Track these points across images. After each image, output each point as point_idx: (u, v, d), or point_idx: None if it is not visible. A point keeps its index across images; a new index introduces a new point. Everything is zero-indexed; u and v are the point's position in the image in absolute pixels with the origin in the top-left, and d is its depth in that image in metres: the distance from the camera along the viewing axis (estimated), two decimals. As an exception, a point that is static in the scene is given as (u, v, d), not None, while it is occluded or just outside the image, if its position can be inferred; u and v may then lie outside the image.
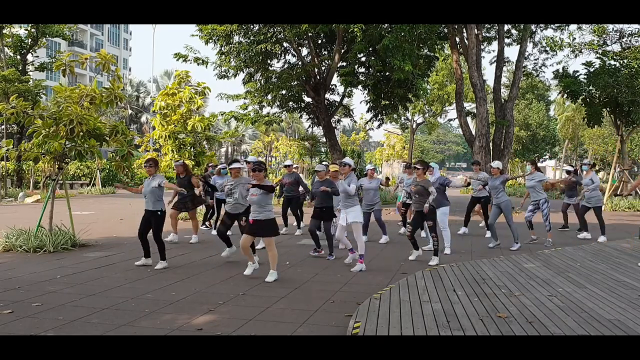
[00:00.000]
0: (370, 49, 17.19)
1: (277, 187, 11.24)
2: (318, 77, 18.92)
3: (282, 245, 9.94)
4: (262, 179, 6.77)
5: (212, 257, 8.45)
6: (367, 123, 25.58)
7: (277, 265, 7.33)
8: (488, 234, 11.26)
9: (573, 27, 21.42)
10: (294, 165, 12.34)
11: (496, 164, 10.03)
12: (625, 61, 18.79)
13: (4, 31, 25.46)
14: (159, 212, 7.50)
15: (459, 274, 7.10)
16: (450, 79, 32.02)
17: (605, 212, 18.66)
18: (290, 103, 20.27)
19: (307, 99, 19.99)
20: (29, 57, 28.19)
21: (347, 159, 8.20)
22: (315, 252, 8.72)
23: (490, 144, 18.65)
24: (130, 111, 56.76)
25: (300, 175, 12.63)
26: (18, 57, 27.19)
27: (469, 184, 11.09)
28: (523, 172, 11.04)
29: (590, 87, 19.07)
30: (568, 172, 12.22)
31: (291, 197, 11.14)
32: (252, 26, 17.01)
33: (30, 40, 26.97)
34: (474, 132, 18.48)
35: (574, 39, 20.97)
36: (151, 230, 7.57)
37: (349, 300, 5.73)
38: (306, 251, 9.15)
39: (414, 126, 40.29)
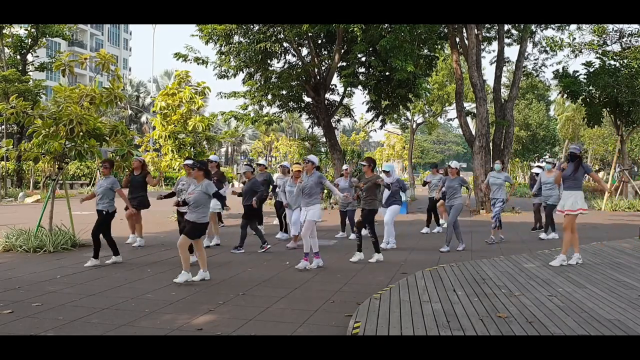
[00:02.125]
0: (371, 49, 17.19)
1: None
2: (318, 77, 18.92)
3: (282, 245, 9.94)
4: (202, 178, 6.67)
5: (211, 258, 8.45)
6: (368, 124, 25.56)
7: (277, 266, 7.33)
8: (435, 229, 12.08)
9: (573, 27, 21.43)
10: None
11: (454, 164, 9.93)
12: (625, 61, 18.81)
13: (4, 31, 25.47)
14: (104, 212, 7.80)
15: (459, 274, 7.10)
16: (450, 79, 31.99)
17: (605, 212, 18.72)
18: (290, 103, 20.26)
19: (307, 99, 19.98)
20: (29, 57, 28.20)
21: (311, 156, 8.06)
22: (262, 249, 8.99)
23: (490, 144, 18.64)
24: (130, 111, 56.79)
25: (272, 175, 12.83)
26: (18, 57, 27.21)
27: (425, 183, 12.37)
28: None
29: (590, 87, 19.08)
30: (537, 173, 12.25)
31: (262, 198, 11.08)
32: (252, 26, 17.00)
33: (30, 40, 26.99)
34: (474, 132, 18.48)
35: (574, 39, 20.98)
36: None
37: (349, 300, 5.73)
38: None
39: (414, 126, 40.26)
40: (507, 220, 14.74)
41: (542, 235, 11.11)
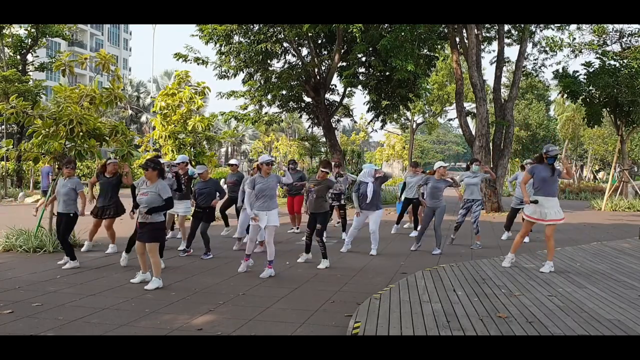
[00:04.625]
0: (371, 49, 17.19)
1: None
2: (318, 77, 18.92)
3: (282, 245, 9.94)
4: (155, 178, 6.24)
5: (211, 258, 8.45)
6: (368, 124, 25.58)
7: (277, 265, 7.32)
8: (413, 233, 11.19)
9: (573, 27, 21.42)
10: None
11: (439, 164, 9.29)
12: (625, 61, 18.79)
13: (4, 31, 25.47)
14: (71, 215, 7.53)
15: (459, 274, 7.10)
16: (450, 79, 32.00)
17: (605, 212, 18.73)
18: (290, 103, 20.26)
19: (307, 99, 19.98)
20: (29, 57, 28.19)
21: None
22: (185, 253, 8.60)
23: (490, 144, 18.64)
24: (130, 111, 56.76)
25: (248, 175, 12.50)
26: (18, 57, 27.19)
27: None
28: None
29: (590, 87, 19.07)
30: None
31: (234, 197, 10.61)
32: (252, 26, 17.00)
33: (30, 40, 26.97)
34: (474, 132, 18.47)
35: (574, 39, 20.98)
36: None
37: (349, 300, 5.73)
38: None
39: (414, 126, 40.29)
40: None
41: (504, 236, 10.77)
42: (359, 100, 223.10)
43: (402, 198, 11.95)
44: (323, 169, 7.96)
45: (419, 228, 10.15)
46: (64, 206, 7.55)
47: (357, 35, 15.05)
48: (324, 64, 18.96)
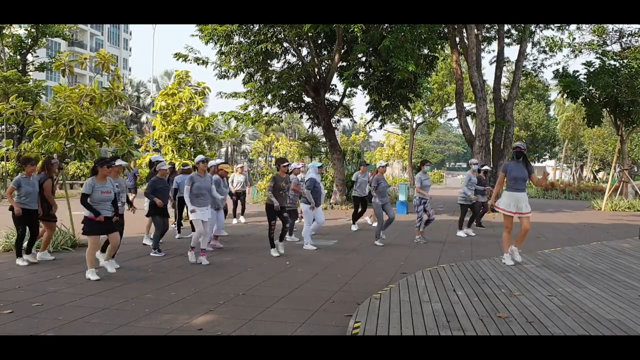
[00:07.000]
0: (371, 49, 17.19)
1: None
2: (318, 77, 18.92)
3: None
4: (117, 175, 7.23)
5: (211, 258, 8.45)
6: (367, 124, 25.57)
7: (277, 265, 7.30)
8: (374, 224, 11.82)
9: (573, 27, 21.46)
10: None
11: (381, 162, 10.08)
12: (625, 61, 18.80)
13: (4, 31, 25.49)
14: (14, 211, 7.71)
15: (459, 274, 7.10)
16: (450, 79, 32.01)
17: (605, 212, 18.73)
18: (290, 103, 20.26)
19: (307, 99, 19.98)
20: (29, 57, 28.23)
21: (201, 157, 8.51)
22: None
23: (490, 144, 18.66)
24: (130, 111, 56.76)
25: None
26: (18, 57, 27.23)
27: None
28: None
29: (590, 87, 19.08)
30: (486, 171, 12.78)
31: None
32: (252, 26, 17.01)
33: (30, 40, 27.01)
34: (474, 132, 18.48)
35: (574, 39, 21.04)
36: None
37: (349, 300, 5.73)
38: (306, 252, 9.15)
39: (414, 126, 40.28)
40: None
41: (461, 233, 11.37)
42: (360, 101, 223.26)
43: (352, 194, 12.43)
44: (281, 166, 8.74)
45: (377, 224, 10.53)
46: (35, 204, 7.91)
47: (358, 35, 15.05)
48: (324, 64, 18.96)
